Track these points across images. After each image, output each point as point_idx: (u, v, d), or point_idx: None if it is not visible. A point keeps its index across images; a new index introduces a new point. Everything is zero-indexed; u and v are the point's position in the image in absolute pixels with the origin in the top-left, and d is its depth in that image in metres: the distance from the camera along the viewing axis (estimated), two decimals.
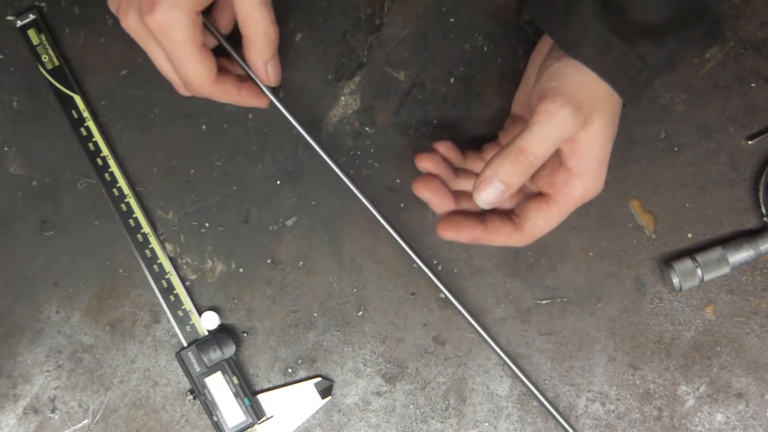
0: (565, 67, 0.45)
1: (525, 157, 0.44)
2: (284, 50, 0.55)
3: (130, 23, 0.46)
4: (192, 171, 0.55)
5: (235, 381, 0.52)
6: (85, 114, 0.54)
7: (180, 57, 0.46)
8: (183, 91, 0.50)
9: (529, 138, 0.44)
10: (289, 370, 0.54)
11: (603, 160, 0.46)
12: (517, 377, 0.54)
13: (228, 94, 0.49)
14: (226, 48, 0.49)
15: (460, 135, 0.55)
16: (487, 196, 0.46)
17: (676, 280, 0.52)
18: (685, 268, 0.52)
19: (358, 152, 0.55)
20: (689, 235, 0.54)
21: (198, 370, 0.52)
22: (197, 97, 0.49)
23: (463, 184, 0.51)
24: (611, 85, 0.45)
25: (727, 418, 0.53)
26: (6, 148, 0.55)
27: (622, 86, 0.45)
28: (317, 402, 0.54)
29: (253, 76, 0.49)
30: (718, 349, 0.54)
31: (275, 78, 0.50)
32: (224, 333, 0.53)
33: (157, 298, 0.54)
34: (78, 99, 0.55)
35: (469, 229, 0.48)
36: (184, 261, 0.54)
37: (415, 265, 0.54)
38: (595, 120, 0.45)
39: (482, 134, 0.55)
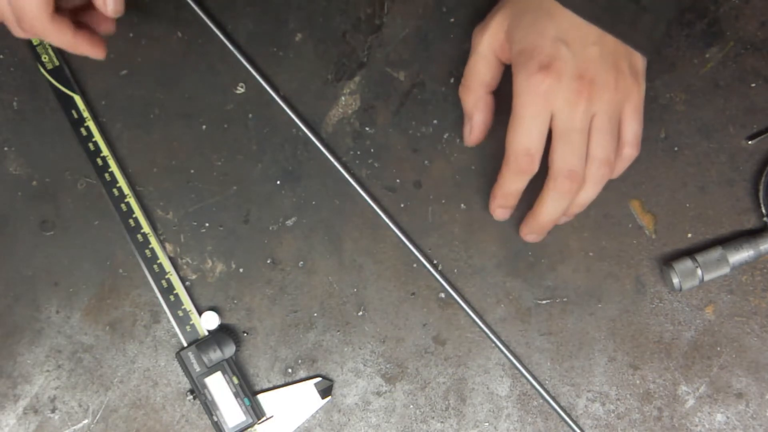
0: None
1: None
2: (284, 50, 0.55)
3: None
4: (192, 171, 0.55)
5: (235, 381, 0.52)
6: (85, 114, 0.54)
7: (27, 21, 0.44)
8: (17, 31, 0.47)
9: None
10: (289, 370, 0.54)
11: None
12: (518, 377, 0.54)
13: (62, 34, 0.46)
14: None
15: (460, 135, 0.55)
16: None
17: (676, 280, 0.52)
18: (685, 268, 0.52)
19: (358, 152, 0.55)
20: (689, 235, 0.54)
21: (198, 370, 0.52)
22: (32, 40, 0.47)
23: None
24: (605, 29, 0.45)
25: (727, 418, 0.53)
26: (6, 148, 0.55)
27: (620, 30, 0.46)
28: (317, 402, 0.54)
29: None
30: (718, 349, 0.54)
31: (114, 6, 0.46)
32: (224, 333, 0.53)
33: (157, 298, 0.54)
34: (78, 99, 0.55)
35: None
36: (184, 261, 0.54)
37: (415, 265, 0.54)
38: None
39: None
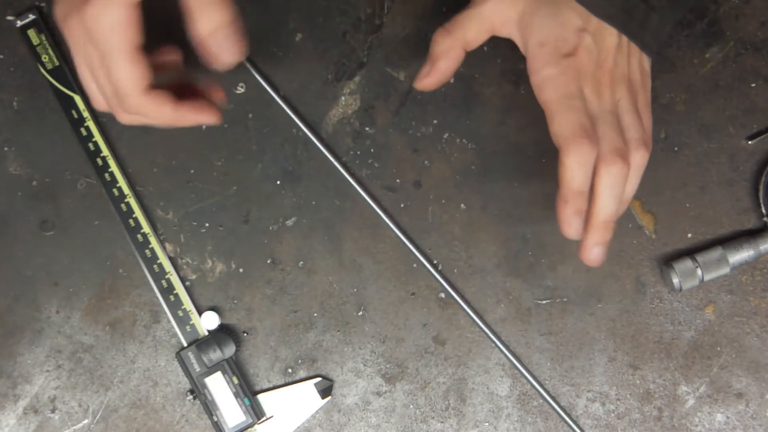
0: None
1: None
2: (284, 50, 0.55)
3: (70, 24, 0.42)
4: (192, 171, 0.55)
5: (235, 381, 0.52)
6: (85, 114, 0.54)
7: (110, 55, 0.41)
8: (123, 117, 0.44)
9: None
10: (289, 370, 0.54)
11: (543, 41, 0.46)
12: (518, 377, 0.54)
13: (160, 109, 0.43)
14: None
15: (460, 135, 0.55)
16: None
17: (676, 280, 0.52)
18: (685, 268, 0.52)
19: (358, 152, 0.55)
20: (689, 235, 0.54)
21: (198, 370, 0.52)
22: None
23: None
24: (618, 28, 0.46)
25: (727, 418, 0.53)
26: (6, 148, 0.55)
27: (631, 30, 0.46)
28: (317, 402, 0.54)
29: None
30: (718, 349, 0.54)
31: (234, 52, 0.42)
32: (224, 333, 0.53)
33: (157, 298, 0.54)
34: (78, 99, 0.55)
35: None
36: (184, 261, 0.54)
37: (415, 265, 0.54)
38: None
39: (482, 134, 0.55)
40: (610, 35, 0.46)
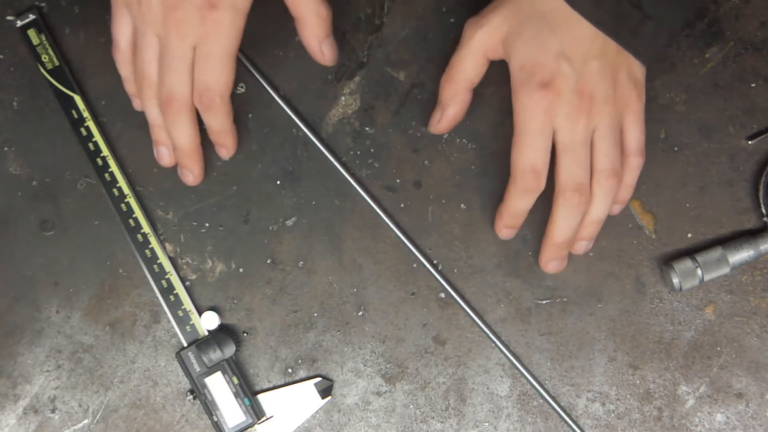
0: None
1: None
2: (284, 50, 0.55)
3: (181, 15, 0.45)
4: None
5: (235, 381, 0.52)
6: (85, 114, 0.54)
7: (216, 59, 0.46)
8: (149, 109, 0.50)
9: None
10: (289, 370, 0.54)
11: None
12: (518, 377, 0.54)
13: (229, 115, 0.49)
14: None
15: (460, 135, 0.55)
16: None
17: (676, 280, 0.52)
18: (685, 268, 0.52)
19: (358, 152, 0.55)
20: (689, 235, 0.54)
21: (198, 370, 0.52)
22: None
23: None
24: (608, 34, 0.46)
25: (727, 418, 0.53)
26: (6, 148, 0.55)
27: (622, 37, 0.46)
28: (317, 402, 0.54)
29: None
30: (718, 349, 0.54)
31: (331, 57, 0.49)
32: (224, 333, 0.53)
33: (157, 298, 0.54)
34: (78, 99, 0.55)
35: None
36: (184, 261, 0.54)
37: (415, 265, 0.54)
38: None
39: (482, 134, 0.55)
40: (593, 59, 0.46)
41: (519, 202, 0.49)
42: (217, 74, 0.46)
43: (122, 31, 0.49)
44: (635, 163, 0.50)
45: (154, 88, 0.48)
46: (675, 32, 0.51)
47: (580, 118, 0.47)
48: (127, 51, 0.50)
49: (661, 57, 0.54)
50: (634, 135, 0.49)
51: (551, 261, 0.51)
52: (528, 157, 0.48)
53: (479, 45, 0.49)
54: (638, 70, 0.48)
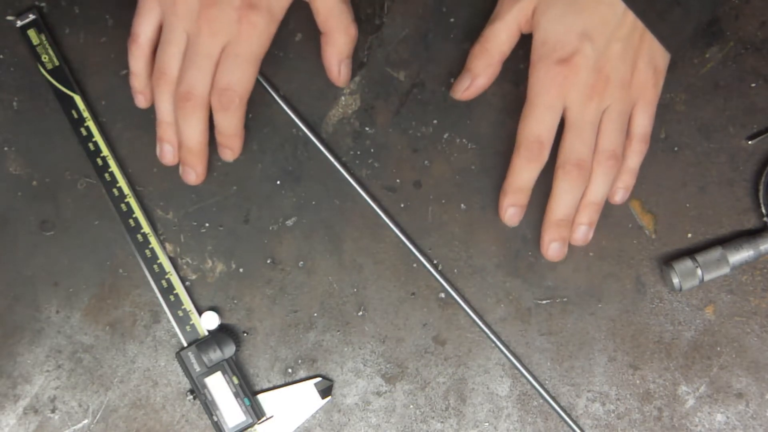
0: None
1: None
2: (284, 50, 0.55)
3: (217, 13, 0.45)
4: None
5: (235, 381, 0.52)
6: (85, 114, 0.54)
7: (244, 60, 0.46)
8: (140, 84, 0.50)
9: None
10: (289, 370, 0.54)
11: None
12: (518, 377, 0.54)
13: (242, 118, 0.49)
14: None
15: (460, 135, 0.55)
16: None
17: (676, 280, 0.52)
18: (685, 268, 0.52)
19: (358, 152, 0.55)
20: (689, 235, 0.54)
21: (198, 370, 0.52)
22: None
23: None
24: (637, 14, 0.47)
25: (727, 418, 0.53)
26: (6, 148, 0.55)
27: (649, 18, 0.47)
28: (317, 402, 0.54)
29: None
30: (718, 349, 0.54)
31: (345, 78, 0.51)
32: (224, 333, 0.53)
33: (157, 298, 0.54)
34: (78, 99, 0.55)
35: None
36: (184, 261, 0.54)
37: (415, 265, 0.54)
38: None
39: (482, 134, 0.55)
40: (617, 41, 0.47)
41: (523, 173, 0.50)
42: (241, 75, 0.47)
43: (146, 25, 0.49)
44: (639, 148, 0.51)
45: (172, 84, 0.49)
46: (701, 24, 0.52)
47: (593, 97, 0.47)
48: (146, 46, 0.50)
49: (684, 46, 0.54)
50: (642, 121, 0.50)
51: (552, 242, 0.51)
52: (535, 129, 0.48)
53: (514, 18, 0.50)
54: (661, 58, 0.49)
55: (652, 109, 0.50)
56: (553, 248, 0.51)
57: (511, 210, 0.51)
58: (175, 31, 0.47)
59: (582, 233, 0.51)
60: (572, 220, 0.51)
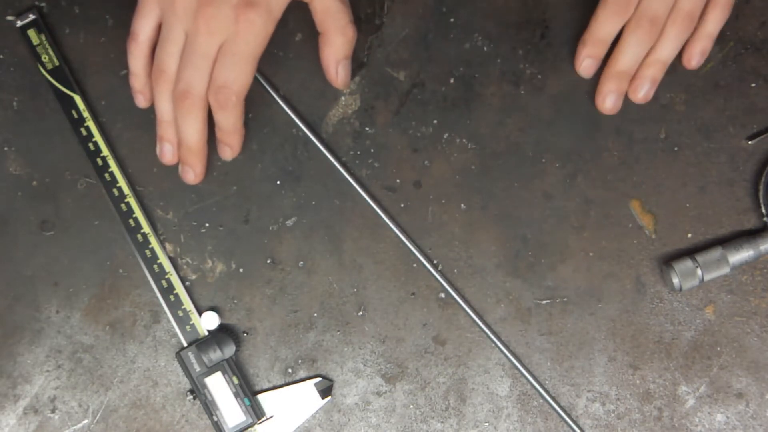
0: None
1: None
2: (284, 50, 0.55)
3: (215, 12, 0.45)
4: None
5: (235, 381, 0.52)
6: (85, 114, 0.54)
7: (241, 58, 0.46)
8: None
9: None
10: (289, 370, 0.54)
11: None
12: (518, 377, 0.54)
13: (241, 116, 0.49)
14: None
15: (460, 135, 0.55)
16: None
17: (676, 280, 0.52)
18: (685, 268, 0.52)
19: (358, 152, 0.55)
20: (689, 235, 0.54)
21: (198, 370, 0.52)
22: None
23: None
24: None
25: (727, 418, 0.53)
26: (6, 148, 0.55)
27: None
28: (317, 402, 0.54)
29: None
30: (718, 349, 0.54)
31: (344, 80, 0.51)
32: (224, 333, 0.53)
33: (157, 298, 0.54)
34: (78, 99, 0.55)
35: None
36: (184, 261, 0.54)
37: (415, 265, 0.54)
38: None
39: (482, 134, 0.55)
40: None
41: (606, 25, 0.50)
42: (238, 73, 0.47)
43: (145, 24, 0.49)
44: (720, 16, 0.51)
45: (171, 82, 0.48)
46: None
47: None
48: (145, 45, 0.50)
49: None
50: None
51: (610, 93, 0.52)
52: None
53: None
54: None
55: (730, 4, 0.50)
56: (610, 99, 0.52)
57: (588, 61, 0.51)
58: (174, 29, 0.47)
59: (645, 89, 0.52)
60: (634, 74, 0.51)
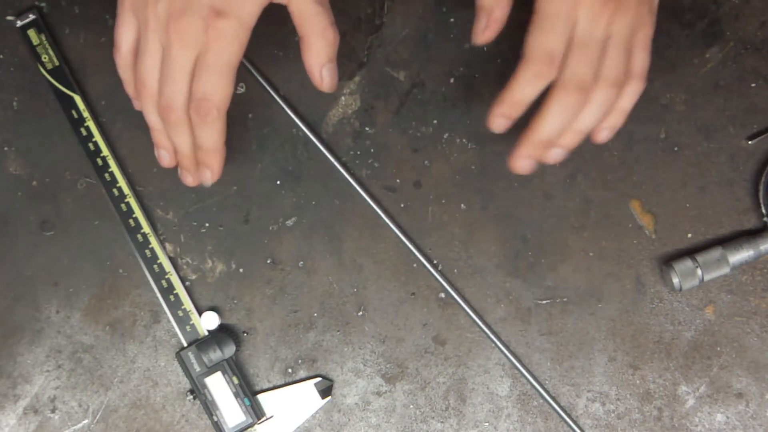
0: None
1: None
2: (284, 50, 0.55)
3: (185, 24, 0.44)
4: None
5: (235, 381, 0.52)
6: (85, 114, 0.54)
7: (216, 70, 0.45)
8: (131, 92, 0.49)
9: None
10: (289, 370, 0.54)
11: None
12: (518, 377, 0.54)
13: (222, 132, 0.47)
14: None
15: (460, 135, 0.55)
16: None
17: (676, 280, 0.52)
18: (685, 268, 0.52)
19: (358, 152, 0.55)
20: (689, 235, 0.54)
21: (198, 370, 0.52)
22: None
23: None
24: None
25: (727, 418, 0.53)
26: (6, 148, 0.55)
27: None
28: (317, 402, 0.54)
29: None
30: (718, 349, 0.54)
31: (330, 84, 0.48)
32: (224, 333, 0.53)
33: (157, 298, 0.54)
34: (78, 99, 0.55)
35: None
36: (184, 261, 0.54)
37: (415, 265, 0.54)
38: None
39: (482, 134, 0.55)
40: None
41: (526, 87, 0.46)
42: (215, 84, 0.45)
43: (125, 35, 0.49)
44: (635, 88, 0.48)
45: (154, 95, 0.48)
46: None
47: (603, 14, 0.45)
48: (129, 56, 0.50)
49: None
50: (641, 58, 0.47)
51: (527, 159, 0.48)
52: (547, 41, 0.45)
53: None
54: None
55: (649, 45, 0.47)
56: (524, 164, 0.48)
57: (501, 120, 0.47)
58: (149, 42, 0.46)
59: (556, 155, 0.48)
60: (555, 140, 0.48)
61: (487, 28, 0.48)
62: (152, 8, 0.45)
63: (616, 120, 0.49)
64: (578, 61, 0.45)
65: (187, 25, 0.44)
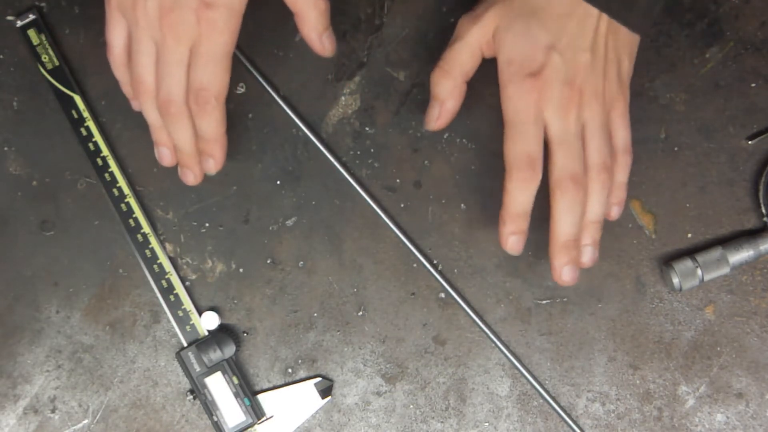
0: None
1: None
2: (284, 50, 0.55)
3: (177, 18, 0.45)
4: None
5: (235, 381, 0.52)
6: (85, 114, 0.54)
7: (210, 59, 0.45)
8: (128, 93, 0.50)
9: None
10: (289, 370, 0.54)
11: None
12: (518, 377, 0.54)
13: (222, 122, 0.48)
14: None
15: (460, 135, 0.55)
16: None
17: (676, 280, 0.52)
18: (685, 268, 0.52)
19: (358, 152, 0.55)
20: (689, 235, 0.54)
21: (198, 370, 0.52)
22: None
23: None
24: (600, 8, 0.46)
25: (727, 418, 0.53)
26: (6, 148, 0.55)
27: (614, 9, 0.46)
28: (317, 402, 0.54)
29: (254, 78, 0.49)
30: (718, 349, 0.54)
31: (331, 48, 0.49)
32: (224, 333, 0.53)
33: (157, 298, 0.54)
34: (78, 99, 0.55)
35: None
36: (184, 261, 0.54)
37: (415, 265, 0.54)
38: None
39: (482, 134, 0.55)
40: (584, 51, 0.46)
41: (519, 196, 0.48)
42: (211, 74, 0.46)
43: (116, 36, 0.49)
44: (625, 161, 0.50)
45: (152, 92, 0.48)
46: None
47: (570, 109, 0.46)
48: (122, 56, 0.50)
49: (654, 23, 0.54)
50: (622, 134, 0.50)
51: (564, 266, 0.48)
52: (522, 147, 0.47)
53: (476, 39, 0.49)
54: (625, 68, 0.49)
55: (627, 120, 0.49)
56: (566, 272, 0.48)
57: (514, 238, 0.48)
58: (142, 41, 0.47)
59: (589, 255, 0.50)
60: (578, 239, 0.49)
61: (439, 118, 0.51)
62: (141, 7, 0.46)
63: (618, 194, 0.51)
64: (564, 157, 0.47)
65: (179, 19, 0.45)
